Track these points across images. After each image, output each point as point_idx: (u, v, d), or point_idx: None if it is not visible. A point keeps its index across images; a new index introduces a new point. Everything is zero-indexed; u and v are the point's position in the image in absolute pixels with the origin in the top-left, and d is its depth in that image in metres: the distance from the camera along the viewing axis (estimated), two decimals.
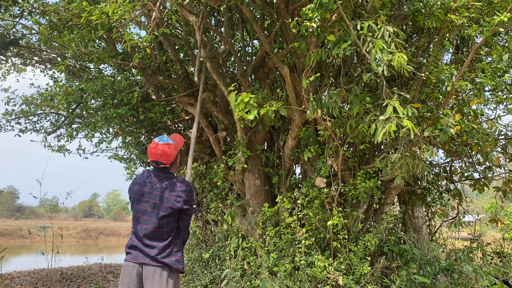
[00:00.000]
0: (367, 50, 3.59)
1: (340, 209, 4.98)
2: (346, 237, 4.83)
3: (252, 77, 6.39)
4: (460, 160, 5.87)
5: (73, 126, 7.22)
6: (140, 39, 4.73)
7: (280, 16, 5.16)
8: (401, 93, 4.09)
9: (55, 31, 6.23)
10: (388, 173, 4.61)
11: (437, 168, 6.33)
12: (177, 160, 3.03)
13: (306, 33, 3.87)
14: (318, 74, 4.40)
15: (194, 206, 7.43)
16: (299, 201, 5.11)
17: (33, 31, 6.72)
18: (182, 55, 6.82)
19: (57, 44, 6.62)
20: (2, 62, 7.24)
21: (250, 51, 6.84)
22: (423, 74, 4.51)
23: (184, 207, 2.83)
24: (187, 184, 2.91)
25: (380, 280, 4.77)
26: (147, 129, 6.90)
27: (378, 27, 3.62)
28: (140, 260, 2.76)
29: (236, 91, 4.07)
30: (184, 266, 2.93)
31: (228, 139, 6.47)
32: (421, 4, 4.55)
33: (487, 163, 5.23)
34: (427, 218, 6.36)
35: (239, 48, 7.12)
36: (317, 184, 5.08)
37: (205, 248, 6.32)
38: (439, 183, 6.26)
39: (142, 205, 2.83)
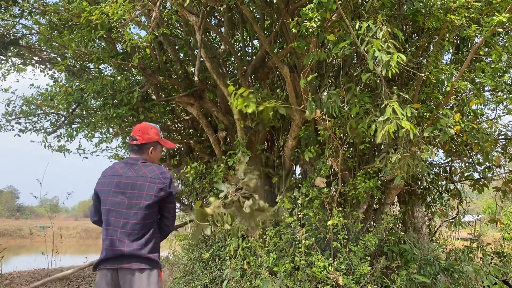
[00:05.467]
0: (365, 49, 3.59)
1: (340, 209, 4.98)
2: (346, 237, 4.83)
3: (252, 77, 6.39)
4: (460, 160, 5.87)
5: (73, 126, 7.21)
6: (140, 39, 4.72)
7: (280, 16, 5.16)
8: (401, 93, 4.09)
9: (55, 31, 6.22)
10: (388, 173, 4.62)
11: (437, 168, 6.33)
12: (151, 147, 2.76)
13: (306, 33, 3.87)
14: (316, 74, 4.40)
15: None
16: (299, 201, 5.11)
17: (33, 31, 6.72)
18: (182, 55, 6.82)
19: (57, 44, 6.62)
20: (2, 62, 7.24)
21: (250, 51, 6.84)
22: (423, 74, 4.51)
23: (168, 193, 2.60)
24: (166, 170, 2.70)
25: (380, 280, 4.77)
26: None
27: (375, 26, 3.63)
28: (117, 265, 2.47)
29: (235, 86, 4.04)
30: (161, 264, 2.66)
31: (228, 139, 6.47)
32: (421, 4, 4.55)
33: (487, 163, 5.23)
34: (427, 218, 6.36)
35: (239, 48, 7.13)
36: (317, 184, 5.08)
37: (205, 248, 6.32)
38: (439, 183, 6.26)
39: (117, 197, 2.56)
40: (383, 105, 3.77)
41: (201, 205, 2.81)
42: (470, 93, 4.98)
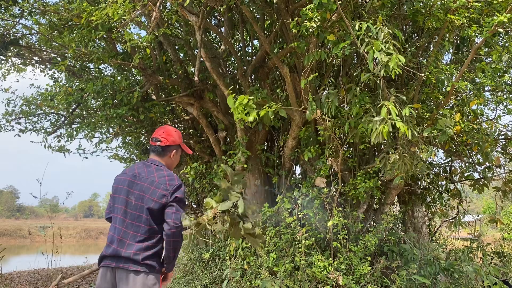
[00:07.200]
0: (366, 50, 3.59)
1: (340, 209, 4.98)
2: (346, 237, 4.83)
3: (252, 77, 6.39)
4: (460, 160, 5.87)
5: (73, 126, 7.22)
6: (140, 39, 4.73)
7: (280, 16, 5.16)
8: (399, 94, 4.10)
9: (55, 31, 6.23)
10: (388, 173, 4.62)
11: (437, 168, 6.33)
12: (174, 150, 2.71)
13: (306, 33, 3.88)
14: (317, 74, 4.40)
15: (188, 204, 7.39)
16: (299, 201, 5.11)
17: (33, 31, 6.73)
18: (182, 55, 6.83)
19: (57, 44, 6.63)
20: (2, 62, 7.25)
21: (250, 51, 6.84)
22: (423, 74, 4.51)
23: (170, 201, 2.46)
24: (177, 178, 2.58)
25: (380, 280, 4.77)
26: (147, 129, 6.90)
27: (375, 27, 3.63)
28: (115, 264, 2.44)
29: (234, 94, 4.01)
30: (160, 269, 2.54)
31: (228, 139, 6.47)
32: (421, 4, 4.55)
33: (487, 163, 5.23)
34: (427, 218, 6.36)
35: (239, 48, 7.13)
36: (317, 184, 5.08)
37: (205, 248, 6.32)
38: (439, 183, 6.26)
39: (127, 196, 2.53)
40: (379, 105, 3.78)
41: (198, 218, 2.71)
42: (470, 93, 4.98)
